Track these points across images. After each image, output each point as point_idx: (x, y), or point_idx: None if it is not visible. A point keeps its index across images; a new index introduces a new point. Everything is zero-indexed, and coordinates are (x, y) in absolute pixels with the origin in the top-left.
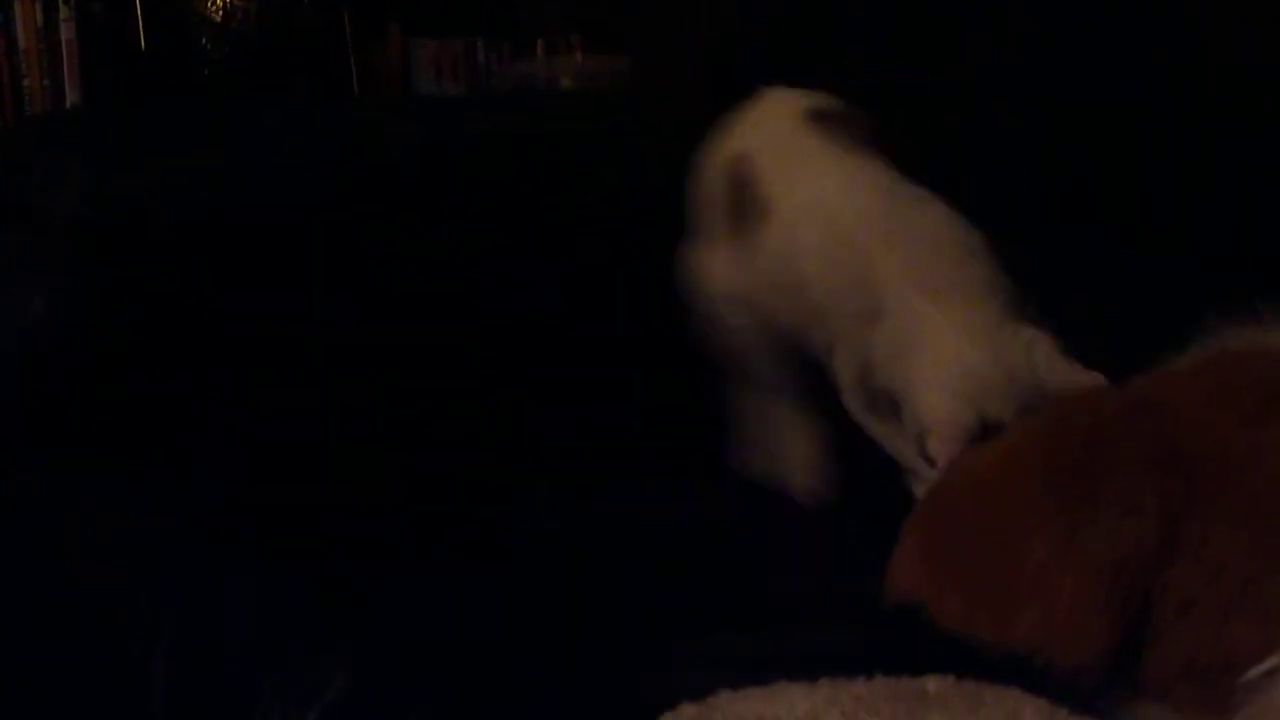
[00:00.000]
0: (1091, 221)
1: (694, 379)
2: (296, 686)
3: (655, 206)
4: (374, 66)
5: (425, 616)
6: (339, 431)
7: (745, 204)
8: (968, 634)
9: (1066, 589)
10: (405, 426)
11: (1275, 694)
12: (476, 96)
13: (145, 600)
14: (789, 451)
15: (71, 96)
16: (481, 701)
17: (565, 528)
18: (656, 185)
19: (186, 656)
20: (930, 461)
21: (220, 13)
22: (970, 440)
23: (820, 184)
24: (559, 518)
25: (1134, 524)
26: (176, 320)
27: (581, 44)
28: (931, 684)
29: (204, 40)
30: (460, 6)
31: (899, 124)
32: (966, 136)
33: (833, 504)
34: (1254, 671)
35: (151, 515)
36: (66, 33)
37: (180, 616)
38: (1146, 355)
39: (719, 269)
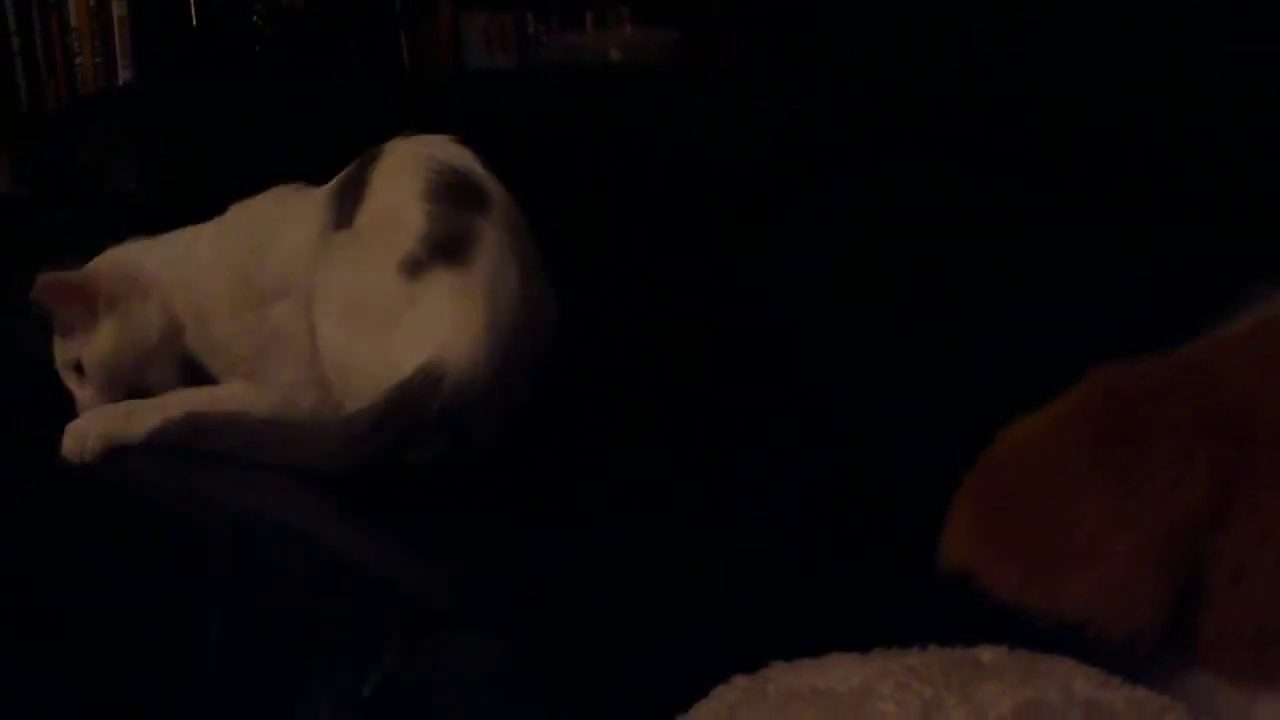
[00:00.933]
0: (1140, 191)
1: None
2: (350, 658)
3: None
4: (424, 40)
5: (480, 585)
6: None
7: None
8: (1020, 603)
9: (1118, 556)
10: None
11: None
12: (526, 69)
13: (198, 567)
14: None
15: (124, 74)
16: (542, 671)
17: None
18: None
19: (239, 627)
20: None
21: None
22: None
23: None
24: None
25: (1185, 490)
26: None
27: (630, 16)
28: (985, 654)
29: (255, 16)
30: None
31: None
32: (1011, 110)
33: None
34: None
35: (199, 498)
36: (118, 10)
37: (233, 586)
38: (1197, 321)
39: None
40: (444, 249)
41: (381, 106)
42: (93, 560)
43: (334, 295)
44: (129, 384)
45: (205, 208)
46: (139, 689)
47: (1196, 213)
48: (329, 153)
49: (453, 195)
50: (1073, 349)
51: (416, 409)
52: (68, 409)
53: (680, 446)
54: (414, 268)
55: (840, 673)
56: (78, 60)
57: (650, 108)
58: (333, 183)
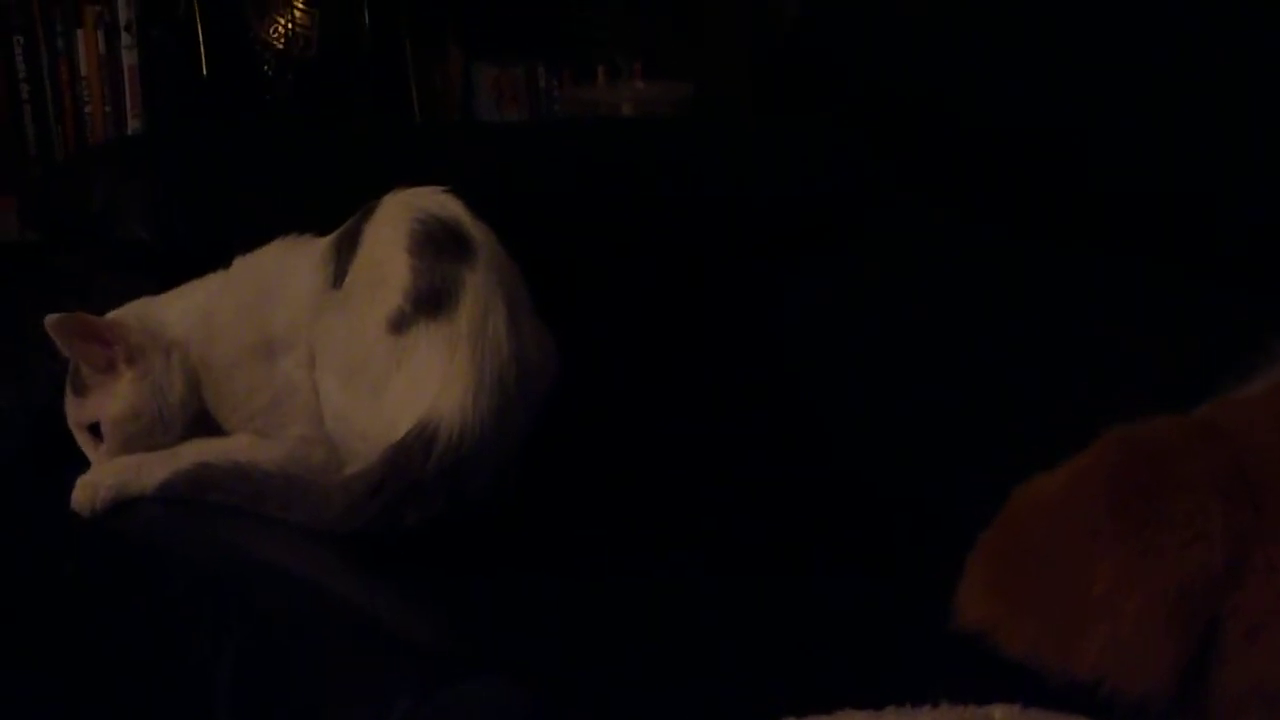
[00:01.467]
0: (1154, 251)
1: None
2: (363, 704)
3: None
4: (435, 91)
5: (488, 633)
6: None
7: None
8: (1034, 661)
9: (1132, 614)
10: None
11: None
12: (537, 121)
13: (211, 612)
14: None
15: (133, 123)
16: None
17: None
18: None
19: (251, 670)
20: None
21: (282, 39)
22: None
23: None
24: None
25: (1200, 549)
26: None
27: (641, 70)
28: (998, 712)
29: (265, 66)
30: (521, 31)
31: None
32: (1026, 170)
33: None
34: None
35: (214, 534)
36: (128, 59)
37: (246, 630)
38: (1212, 382)
39: None
40: (428, 301)
41: (391, 157)
42: (103, 609)
43: (331, 355)
44: (146, 445)
45: (214, 257)
46: None
47: (1213, 271)
48: (338, 202)
49: (436, 246)
50: (1086, 406)
51: (413, 470)
52: (77, 454)
53: (688, 494)
54: (400, 324)
55: None
56: (87, 108)
57: (663, 160)
58: (332, 236)
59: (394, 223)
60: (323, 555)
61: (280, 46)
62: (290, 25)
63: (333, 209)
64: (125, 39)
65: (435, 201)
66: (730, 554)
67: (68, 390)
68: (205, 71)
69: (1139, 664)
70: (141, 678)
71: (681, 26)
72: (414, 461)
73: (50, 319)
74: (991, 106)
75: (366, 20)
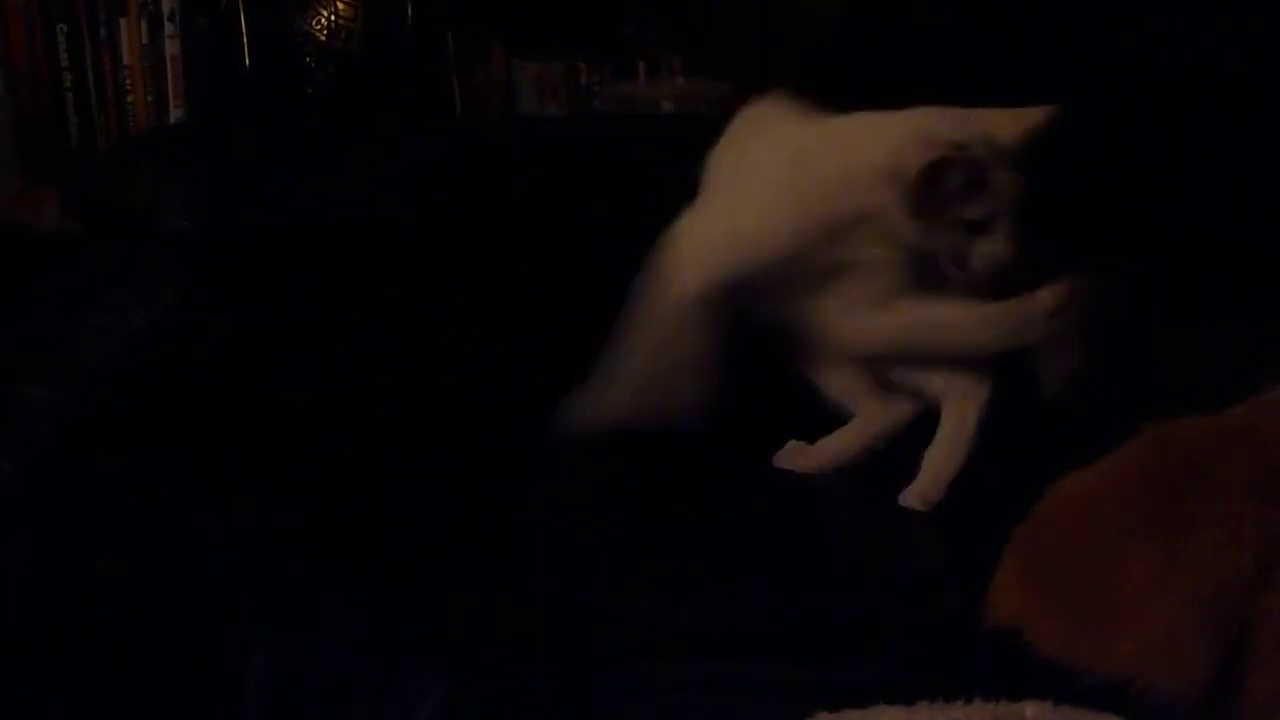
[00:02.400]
0: (1188, 254)
1: None
2: (392, 702)
3: None
4: (476, 87)
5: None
6: (434, 443)
7: None
8: (1066, 660)
9: (1164, 615)
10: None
11: None
12: (579, 116)
13: (242, 614)
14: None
15: (175, 113)
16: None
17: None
18: None
19: (282, 672)
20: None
21: (324, 31)
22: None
23: None
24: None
25: (1233, 551)
26: (275, 333)
27: (682, 67)
28: (1029, 710)
29: (307, 58)
30: (563, 28)
31: None
32: (1061, 172)
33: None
34: None
35: (249, 528)
36: (171, 49)
37: (276, 631)
38: (1244, 384)
39: None
40: None
41: (431, 151)
42: (132, 618)
43: None
44: None
45: (254, 249)
46: None
47: (1244, 272)
48: (379, 195)
49: None
50: (1121, 407)
51: None
52: (108, 446)
53: (716, 489)
54: None
55: None
56: (129, 98)
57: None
58: None
59: None
60: (354, 549)
61: (322, 39)
62: (333, 18)
63: (373, 201)
64: (168, 29)
65: None
66: (758, 548)
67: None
68: (247, 62)
69: (1170, 666)
70: (172, 678)
71: (722, 24)
72: None
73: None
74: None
75: (409, 14)
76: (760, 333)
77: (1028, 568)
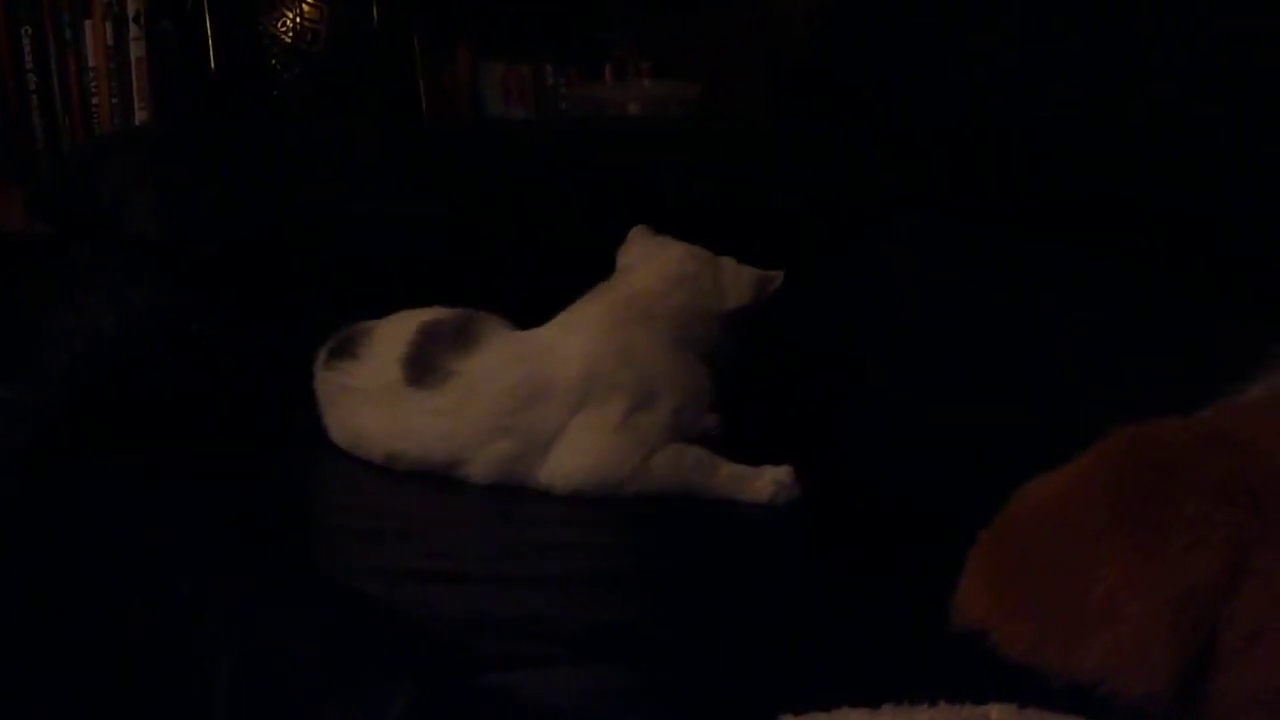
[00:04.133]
0: (1157, 257)
1: None
2: (358, 706)
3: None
4: (442, 88)
5: (495, 631)
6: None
7: None
8: (1034, 662)
9: (1133, 618)
10: None
11: None
12: (546, 120)
13: (209, 616)
14: None
15: (140, 115)
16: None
17: None
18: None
19: (248, 675)
20: None
21: (290, 33)
22: None
23: None
24: None
25: (1202, 554)
26: (241, 334)
27: (649, 69)
28: (995, 712)
29: (273, 60)
30: (529, 30)
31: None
32: (1035, 177)
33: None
34: None
35: (218, 530)
36: (136, 51)
37: (244, 634)
38: (1214, 388)
39: None
40: None
41: (396, 153)
42: (103, 608)
43: None
44: None
45: (221, 251)
46: None
47: (1214, 276)
48: (342, 197)
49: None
50: (1090, 408)
51: None
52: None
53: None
54: None
55: None
56: (94, 100)
57: (673, 160)
58: None
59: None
60: (324, 548)
61: (288, 41)
62: (299, 20)
63: (337, 204)
64: (133, 30)
65: None
66: (729, 550)
67: None
68: (213, 65)
69: (1140, 668)
70: (140, 679)
71: (691, 26)
72: None
73: None
74: (1004, 115)
75: (375, 16)
76: None
77: (996, 569)
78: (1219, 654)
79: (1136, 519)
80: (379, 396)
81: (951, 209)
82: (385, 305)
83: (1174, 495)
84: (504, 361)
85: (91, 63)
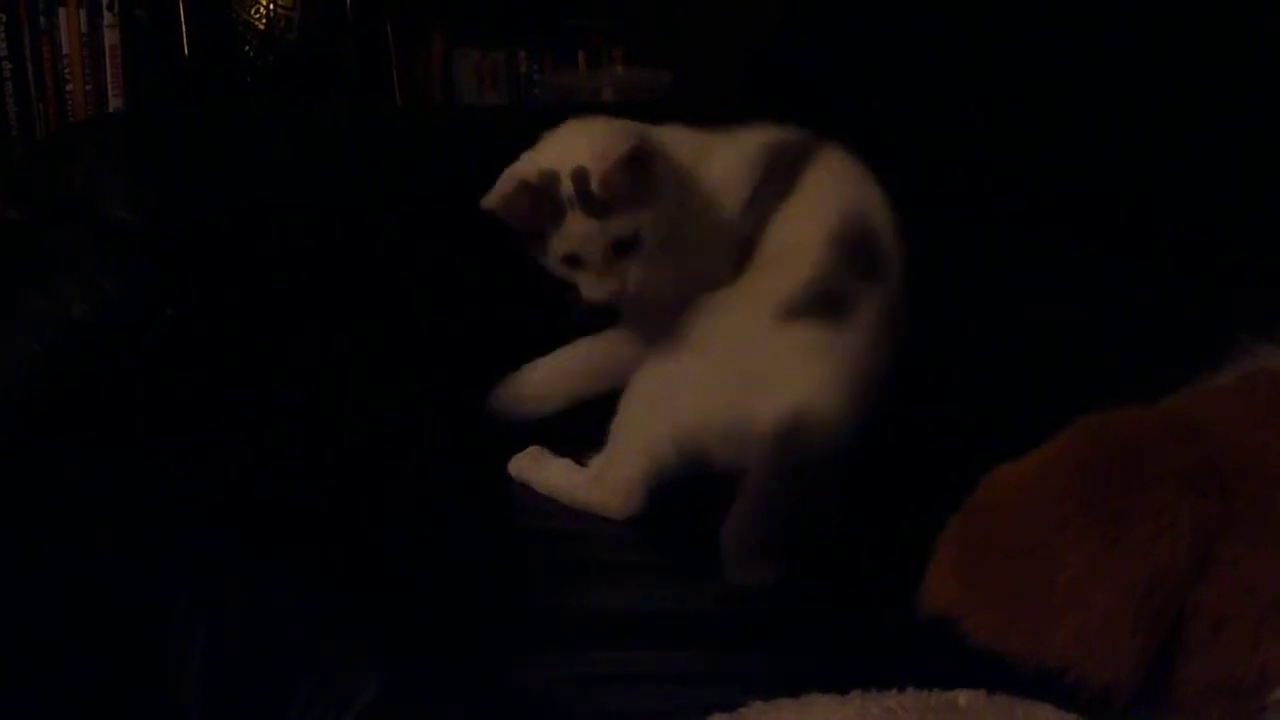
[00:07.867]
0: (1128, 242)
1: None
2: (331, 691)
3: None
4: (416, 75)
5: (459, 620)
6: (377, 430)
7: None
8: (1000, 649)
9: (1100, 605)
10: (438, 423)
11: None
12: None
13: (183, 602)
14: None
15: (114, 102)
16: (520, 705)
17: None
18: None
19: (222, 660)
20: None
21: (263, 20)
22: None
23: None
24: None
25: (1168, 542)
26: (215, 321)
27: (623, 56)
28: (962, 698)
29: (247, 47)
30: (503, 17)
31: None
32: (1004, 167)
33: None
34: None
35: (191, 517)
36: (110, 38)
37: (217, 619)
38: (1182, 374)
39: None
40: (822, 303)
41: (370, 139)
42: (72, 605)
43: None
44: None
45: (195, 237)
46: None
47: (1183, 264)
48: (316, 183)
49: (849, 253)
50: (1059, 394)
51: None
52: (56, 435)
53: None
54: (790, 314)
55: (819, 713)
56: (68, 87)
57: None
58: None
59: (818, 214)
60: (292, 542)
61: (262, 27)
62: (272, 6)
63: (310, 190)
64: (107, 18)
65: (867, 203)
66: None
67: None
68: (186, 51)
69: (1106, 655)
70: (113, 665)
71: (664, 14)
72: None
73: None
74: (979, 105)
75: (348, 3)
76: None
77: (963, 556)
78: (1185, 642)
79: (1102, 506)
80: None
81: (921, 200)
82: (359, 289)
83: (1140, 483)
84: None
85: (65, 50)
